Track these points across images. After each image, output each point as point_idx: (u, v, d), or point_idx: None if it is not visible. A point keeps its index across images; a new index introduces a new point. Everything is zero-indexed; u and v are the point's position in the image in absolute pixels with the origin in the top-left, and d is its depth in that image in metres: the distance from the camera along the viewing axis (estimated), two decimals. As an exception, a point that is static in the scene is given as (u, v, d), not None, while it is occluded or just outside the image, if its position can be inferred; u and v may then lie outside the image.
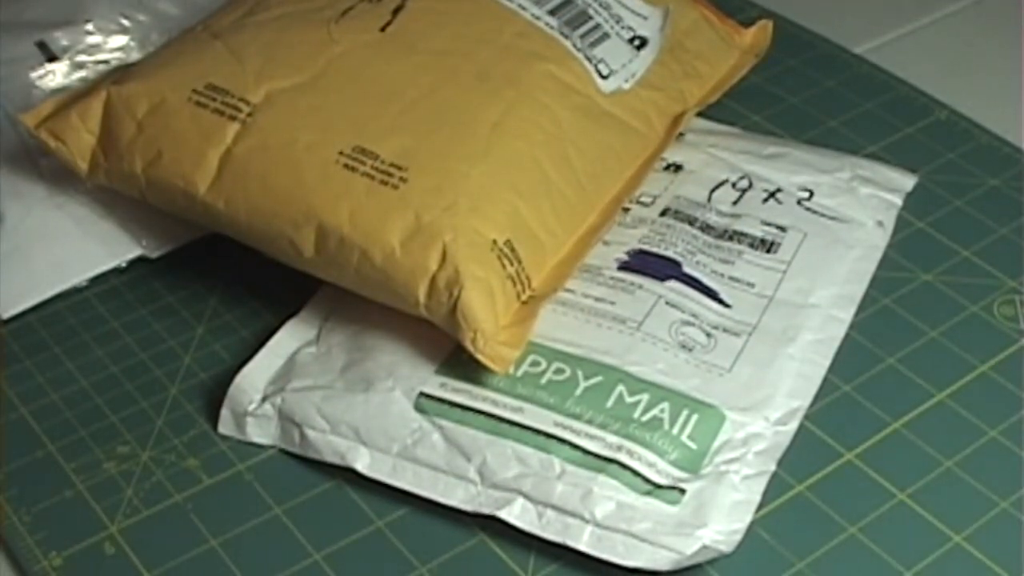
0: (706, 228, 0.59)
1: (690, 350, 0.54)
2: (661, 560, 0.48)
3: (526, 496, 0.50)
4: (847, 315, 0.57)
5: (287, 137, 0.55)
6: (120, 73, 0.60)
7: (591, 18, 0.62)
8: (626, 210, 0.60)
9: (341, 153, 0.54)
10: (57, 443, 0.54)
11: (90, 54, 0.67)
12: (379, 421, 0.52)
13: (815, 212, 0.61)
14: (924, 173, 0.65)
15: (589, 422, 0.51)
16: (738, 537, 0.49)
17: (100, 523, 0.51)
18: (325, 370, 0.54)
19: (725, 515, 0.49)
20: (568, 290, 0.56)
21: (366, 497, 0.52)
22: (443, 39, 0.59)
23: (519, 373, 0.52)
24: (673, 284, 0.56)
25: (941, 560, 0.49)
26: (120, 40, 0.67)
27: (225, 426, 0.54)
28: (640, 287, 0.56)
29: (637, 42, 0.63)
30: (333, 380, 0.54)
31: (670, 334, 0.54)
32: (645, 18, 0.64)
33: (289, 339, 0.56)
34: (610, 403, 0.51)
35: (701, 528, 0.48)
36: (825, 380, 0.55)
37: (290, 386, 0.53)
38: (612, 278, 0.57)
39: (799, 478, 0.52)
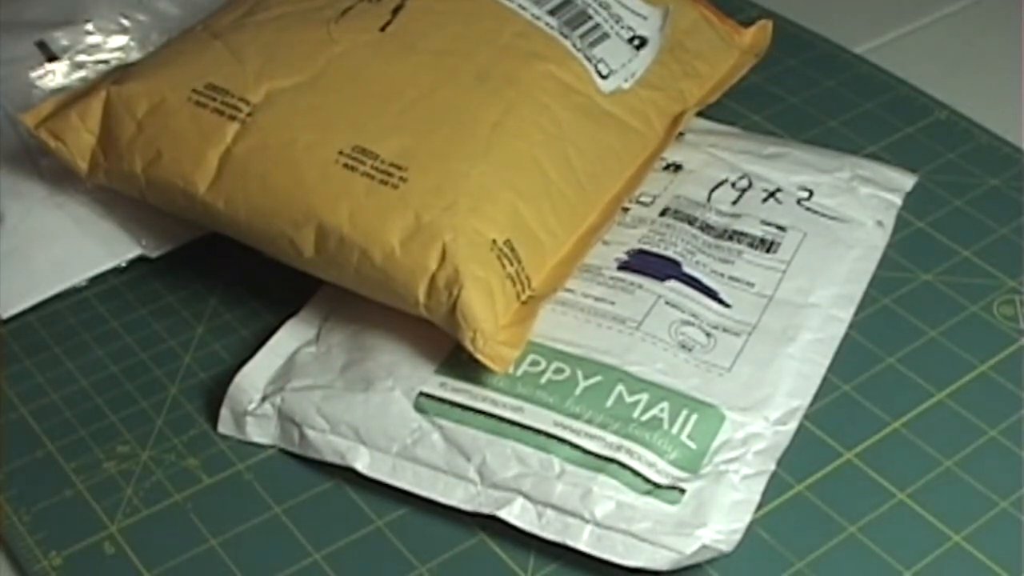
0: (706, 228, 0.59)
1: (690, 350, 0.54)
2: (661, 560, 0.48)
3: (526, 496, 0.50)
4: (847, 315, 0.57)
5: (287, 137, 0.55)
6: (120, 73, 0.60)
7: (591, 18, 0.62)
8: (626, 210, 0.60)
9: (341, 153, 0.54)
10: (57, 443, 0.54)
11: (90, 54, 0.67)
12: (379, 421, 0.52)
13: (815, 212, 0.61)
14: (924, 173, 0.65)
15: (589, 422, 0.51)
16: (738, 537, 0.49)
17: (100, 523, 0.51)
18: (325, 370, 0.54)
19: (725, 515, 0.49)
20: (568, 290, 0.56)
21: (366, 497, 0.52)
22: (443, 39, 0.59)
23: (519, 373, 0.52)
24: (673, 284, 0.56)
25: (941, 560, 0.49)
26: (120, 40, 0.67)
27: (225, 426, 0.54)
28: (640, 287, 0.56)
29: (637, 42, 0.63)
30: (333, 380, 0.54)
31: (670, 334, 0.54)
32: (645, 18, 0.64)
33: (289, 339, 0.56)
34: (610, 403, 0.51)
35: (701, 528, 0.48)
36: (825, 380, 0.55)
37: (290, 386, 0.54)
38: (612, 278, 0.57)
39: (799, 478, 0.52)
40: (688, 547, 0.48)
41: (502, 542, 0.50)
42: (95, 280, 0.60)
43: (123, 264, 0.61)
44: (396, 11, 0.60)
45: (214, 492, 0.52)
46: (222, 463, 0.53)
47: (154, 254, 0.61)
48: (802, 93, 0.71)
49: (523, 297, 0.54)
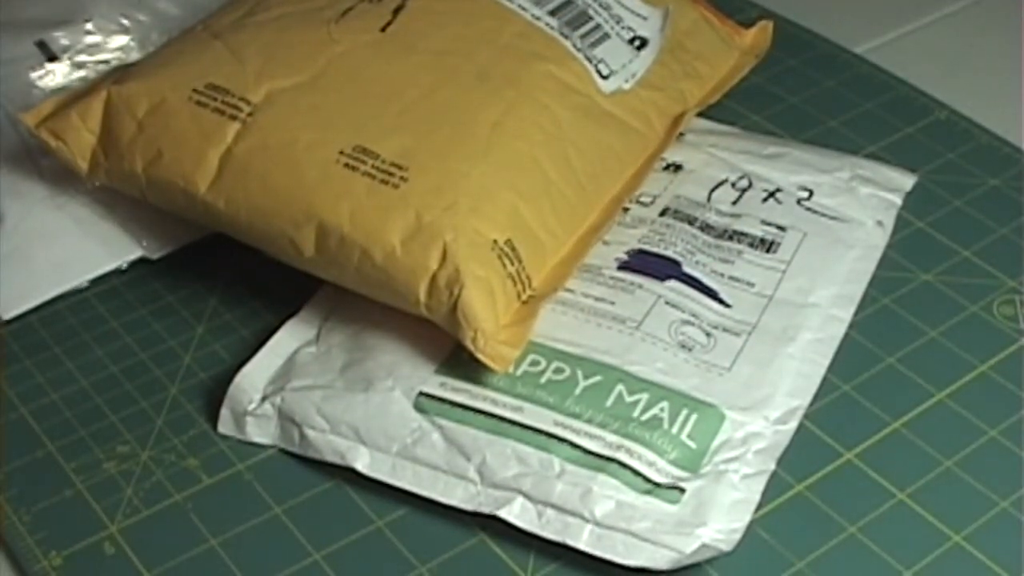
0: (706, 228, 0.59)
1: (690, 350, 0.54)
2: (661, 559, 0.48)
3: (526, 495, 0.50)
4: (847, 315, 0.57)
5: (287, 137, 0.55)
6: (120, 73, 0.60)
7: (591, 18, 0.62)
8: (626, 210, 0.60)
9: (341, 152, 0.54)
10: (57, 443, 0.54)
11: (90, 54, 0.67)
12: (379, 421, 0.52)
13: (815, 212, 0.61)
14: (924, 173, 0.65)
15: (589, 421, 0.51)
16: (737, 536, 0.49)
17: (100, 523, 0.51)
18: (325, 370, 0.54)
19: (724, 514, 0.49)
20: (568, 290, 0.56)
21: (366, 497, 0.52)
22: (443, 39, 0.59)
23: (519, 372, 0.52)
24: (673, 284, 0.56)
25: (941, 560, 0.49)
26: (120, 40, 0.67)
27: (225, 426, 0.54)
28: (640, 287, 0.56)
29: (637, 42, 0.63)
30: (333, 380, 0.54)
31: (670, 334, 0.54)
32: (645, 18, 0.64)
33: (289, 339, 0.56)
34: (610, 402, 0.51)
35: (700, 527, 0.48)
36: (825, 380, 0.55)
37: (290, 386, 0.54)
38: (612, 278, 0.57)
39: (799, 477, 0.52)
40: (688, 546, 0.48)
41: (502, 542, 0.50)
42: (95, 280, 0.61)
43: (124, 265, 0.61)
44: (397, 11, 0.60)
45: (214, 492, 0.52)
46: (222, 463, 0.53)
47: (155, 255, 0.61)
48: (802, 93, 0.71)
49: (524, 297, 0.54)
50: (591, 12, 0.62)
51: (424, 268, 0.52)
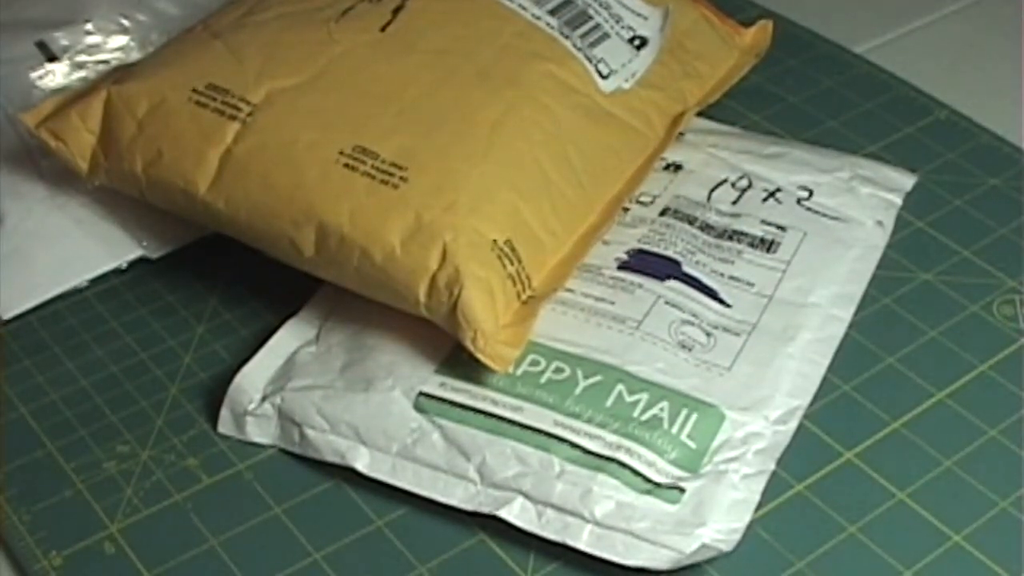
0: (706, 227, 0.59)
1: (690, 349, 0.54)
2: (660, 559, 0.48)
3: (526, 495, 0.50)
4: (847, 314, 0.57)
5: (287, 137, 0.55)
6: (120, 73, 0.60)
7: (591, 18, 0.62)
8: (626, 210, 0.60)
9: (341, 152, 0.54)
10: (57, 443, 0.54)
11: (90, 54, 0.67)
12: (379, 420, 0.52)
13: (815, 212, 0.61)
14: (924, 173, 0.65)
15: (589, 421, 0.51)
16: (737, 536, 0.49)
17: (100, 523, 0.51)
18: (325, 370, 0.54)
19: (724, 514, 0.49)
20: (568, 290, 0.56)
21: (366, 497, 0.52)
22: (443, 39, 0.59)
23: (519, 372, 0.52)
24: (673, 283, 0.56)
25: (941, 560, 0.49)
26: (120, 40, 0.67)
27: (225, 426, 0.54)
28: (640, 286, 0.56)
29: (637, 42, 0.63)
30: (333, 380, 0.54)
31: (670, 333, 0.54)
32: (645, 18, 0.64)
33: (289, 339, 0.56)
34: (610, 402, 0.51)
35: (700, 527, 0.48)
36: (825, 380, 0.55)
37: (290, 385, 0.54)
38: (612, 278, 0.57)
39: (799, 477, 0.52)
40: (688, 546, 0.48)
41: (502, 542, 0.50)
42: (95, 280, 0.61)
43: (124, 265, 0.61)
44: (396, 11, 0.60)
45: (214, 492, 0.52)
46: (222, 463, 0.53)
47: (155, 255, 0.61)
48: (802, 93, 0.71)
49: (523, 297, 0.54)
50: (591, 11, 0.62)
51: (424, 268, 0.52)
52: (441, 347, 0.53)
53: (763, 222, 0.60)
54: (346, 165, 0.54)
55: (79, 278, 0.60)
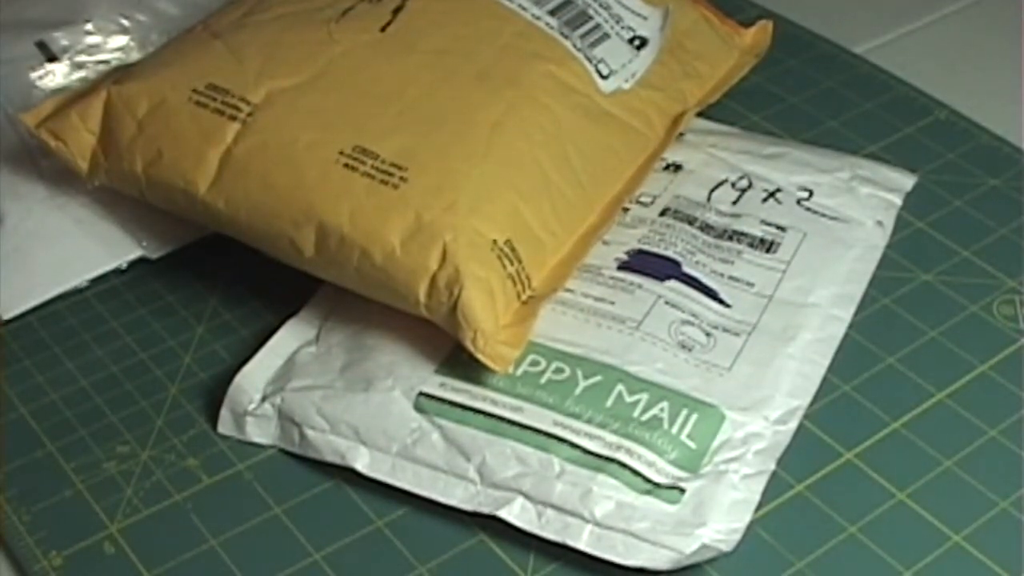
0: (706, 228, 0.59)
1: (690, 350, 0.54)
2: (660, 559, 0.48)
3: (526, 495, 0.50)
4: (847, 315, 0.57)
5: (287, 137, 0.55)
6: (120, 73, 0.60)
7: (591, 18, 0.62)
8: (626, 210, 0.60)
9: (341, 153, 0.54)
10: (57, 443, 0.54)
11: (90, 54, 0.67)
12: (379, 421, 0.52)
13: (815, 212, 0.61)
14: (924, 173, 0.65)
15: (588, 421, 0.51)
16: (737, 536, 0.49)
17: (100, 523, 0.51)
18: (325, 370, 0.54)
19: (724, 514, 0.49)
20: (568, 290, 0.56)
21: (366, 497, 0.52)
22: (443, 39, 0.59)
23: (519, 373, 0.52)
24: (673, 284, 0.56)
25: (941, 560, 0.49)
26: (120, 40, 0.67)
27: (225, 426, 0.54)
28: (640, 287, 0.56)
29: (637, 42, 0.63)
30: (333, 380, 0.54)
31: (670, 334, 0.54)
32: (645, 18, 0.64)
33: (289, 339, 0.56)
34: (609, 402, 0.51)
35: (700, 527, 0.48)
36: (825, 380, 0.55)
37: (290, 386, 0.54)
38: (612, 278, 0.57)
39: (799, 478, 0.52)
40: (688, 546, 0.48)
41: (502, 542, 0.50)
42: (95, 280, 0.61)
43: (124, 265, 0.61)
44: (396, 11, 0.60)
45: (214, 492, 0.52)
46: (222, 463, 0.53)
47: (155, 255, 0.61)
48: (802, 93, 0.71)
49: (523, 297, 0.54)
50: (591, 12, 0.62)
51: (424, 268, 0.52)
52: (441, 347, 0.53)
53: (763, 222, 0.60)
54: (346, 165, 0.54)
55: (79, 278, 0.60)
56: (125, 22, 0.68)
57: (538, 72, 0.58)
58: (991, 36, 0.76)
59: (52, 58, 0.66)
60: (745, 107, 0.70)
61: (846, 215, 0.61)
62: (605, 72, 0.61)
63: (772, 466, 0.51)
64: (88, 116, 0.58)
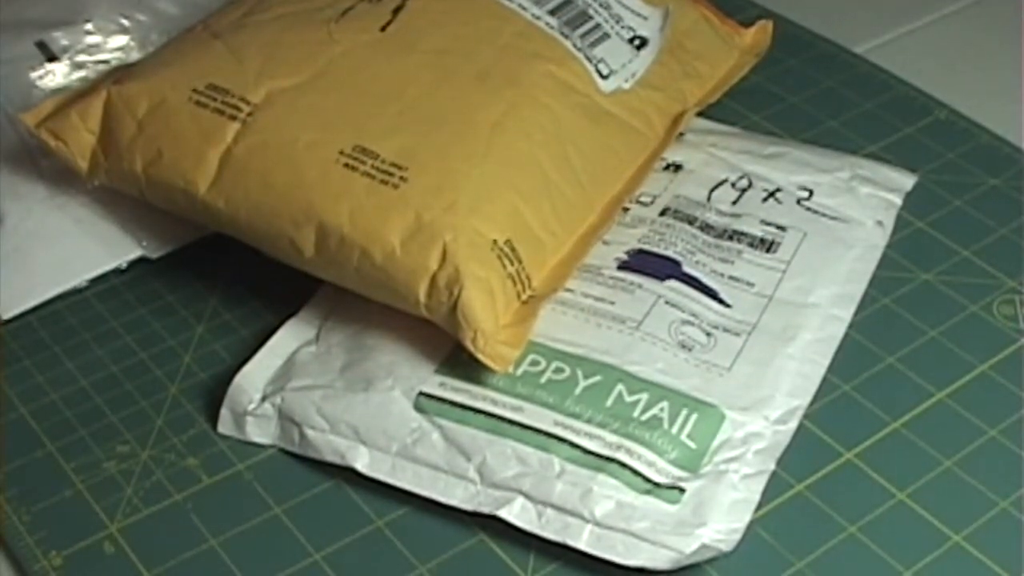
0: (706, 228, 0.59)
1: (690, 349, 0.54)
2: (660, 559, 0.48)
3: (526, 495, 0.50)
4: (847, 314, 0.57)
5: (287, 136, 0.55)
6: (120, 73, 0.60)
7: (591, 18, 0.62)
8: (626, 210, 0.60)
9: (341, 152, 0.54)
10: (57, 443, 0.54)
11: (90, 54, 0.67)
12: (379, 420, 0.52)
13: (815, 212, 0.61)
14: (924, 173, 0.65)
15: (588, 421, 0.51)
16: (737, 536, 0.49)
17: (100, 522, 0.51)
18: (325, 370, 0.54)
19: (724, 514, 0.49)
20: (568, 290, 0.56)
21: (366, 497, 0.52)
22: (443, 39, 0.59)
23: (519, 372, 0.52)
24: (673, 283, 0.56)
25: (941, 560, 0.49)
26: (120, 40, 0.67)
27: (225, 426, 0.54)
28: (640, 287, 0.56)
29: (637, 42, 0.63)
30: (333, 380, 0.54)
31: (670, 333, 0.54)
32: (645, 18, 0.64)
33: (289, 339, 0.56)
34: (609, 402, 0.51)
35: (700, 527, 0.48)
36: (825, 380, 0.55)
37: (290, 385, 0.54)
38: (612, 278, 0.57)
39: (799, 477, 0.52)
40: (688, 546, 0.48)
41: (502, 542, 0.50)
42: (95, 280, 0.61)
43: (124, 265, 0.61)
44: (396, 11, 0.60)
45: (214, 492, 0.52)
46: (222, 463, 0.53)
47: (155, 255, 0.61)
48: (802, 93, 0.71)
49: (523, 297, 0.54)
50: (591, 11, 0.62)
51: (424, 268, 0.52)
52: (441, 347, 0.53)
53: (763, 222, 0.60)
54: (346, 165, 0.54)
55: (79, 278, 0.60)
56: (125, 22, 0.68)
57: (538, 72, 0.58)
58: (991, 36, 0.76)
59: (52, 58, 0.66)
60: (745, 107, 0.70)
61: (846, 215, 0.61)
62: (605, 72, 0.61)
63: (772, 466, 0.51)
64: (88, 116, 0.58)
